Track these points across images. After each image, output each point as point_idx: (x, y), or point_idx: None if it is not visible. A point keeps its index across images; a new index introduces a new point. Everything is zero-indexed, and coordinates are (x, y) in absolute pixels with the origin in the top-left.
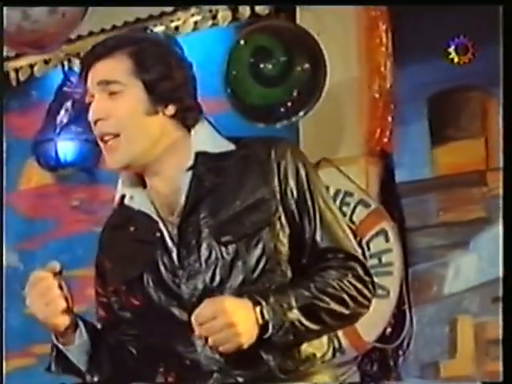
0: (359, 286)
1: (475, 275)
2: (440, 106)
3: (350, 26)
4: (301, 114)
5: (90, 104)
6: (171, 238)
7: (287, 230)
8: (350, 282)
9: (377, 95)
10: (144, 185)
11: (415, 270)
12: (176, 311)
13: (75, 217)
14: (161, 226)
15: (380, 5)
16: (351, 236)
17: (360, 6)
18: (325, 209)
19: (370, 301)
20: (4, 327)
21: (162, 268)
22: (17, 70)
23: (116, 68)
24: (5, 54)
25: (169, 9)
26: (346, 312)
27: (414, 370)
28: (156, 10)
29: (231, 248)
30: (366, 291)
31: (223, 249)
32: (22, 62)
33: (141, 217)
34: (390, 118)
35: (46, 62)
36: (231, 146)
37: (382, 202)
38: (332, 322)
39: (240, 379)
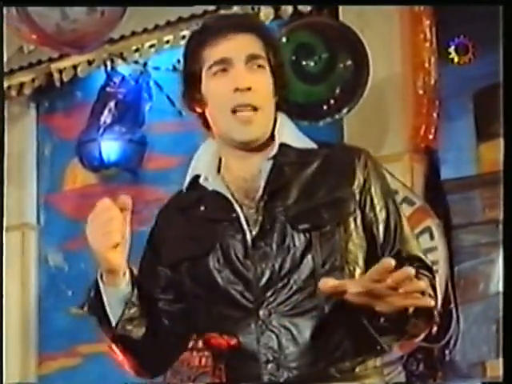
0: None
1: None
2: (486, 101)
3: (393, 22)
4: (344, 111)
5: (224, 70)
6: (246, 220)
7: (361, 233)
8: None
9: (421, 91)
10: (218, 170)
11: (461, 268)
12: (237, 295)
13: None
14: (236, 207)
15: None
16: None
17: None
18: (404, 221)
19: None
20: (50, 327)
21: (232, 248)
22: (60, 71)
23: (257, 45)
24: (48, 55)
25: (211, 7)
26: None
27: (461, 370)
28: (198, 9)
29: (304, 238)
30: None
31: (296, 237)
32: (66, 62)
33: (214, 197)
34: (434, 115)
35: (90, 62)
36: (313, 145)
37: (427, 200)
38: (415, 326)
39: (295, 372)
